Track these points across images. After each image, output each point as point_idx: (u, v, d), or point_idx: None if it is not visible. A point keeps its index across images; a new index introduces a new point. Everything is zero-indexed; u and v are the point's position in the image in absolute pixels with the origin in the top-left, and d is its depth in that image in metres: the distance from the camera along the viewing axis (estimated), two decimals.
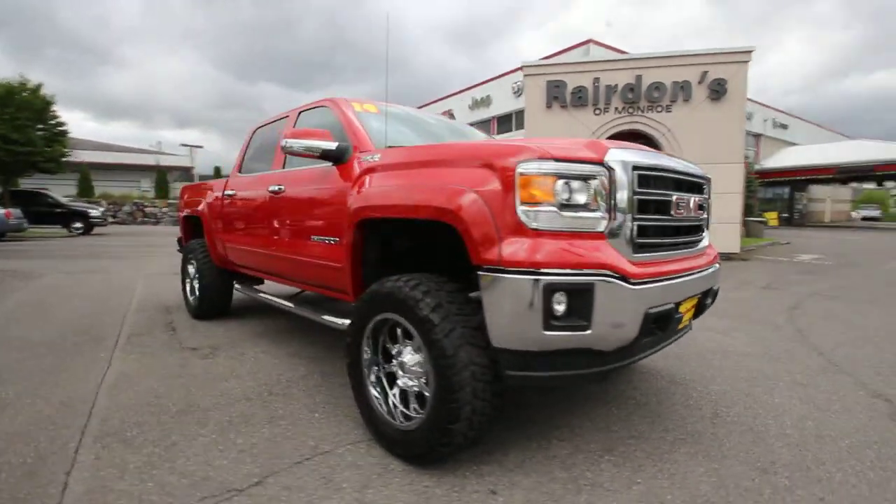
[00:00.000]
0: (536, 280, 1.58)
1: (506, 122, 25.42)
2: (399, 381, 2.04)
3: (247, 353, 3.45)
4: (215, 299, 4.40)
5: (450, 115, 21.75)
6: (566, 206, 1.65)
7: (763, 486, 1.82)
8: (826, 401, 2.66)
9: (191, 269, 4.64)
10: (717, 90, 10.71)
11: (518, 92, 23.06)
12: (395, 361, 2.07)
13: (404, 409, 2.02)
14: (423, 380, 1.92)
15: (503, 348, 1.70)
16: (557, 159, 1.65)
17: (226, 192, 3.90)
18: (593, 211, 1.68)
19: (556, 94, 11.34)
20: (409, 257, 2.44)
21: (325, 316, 2.74)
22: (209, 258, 4.34)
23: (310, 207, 2.74)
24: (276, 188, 3.08)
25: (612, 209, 1.70)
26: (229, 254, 3.96)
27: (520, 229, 1.64)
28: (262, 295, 3.73)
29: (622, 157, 1.74)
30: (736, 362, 3.34)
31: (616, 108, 11.26)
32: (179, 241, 5.32)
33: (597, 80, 11.18)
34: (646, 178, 1.84)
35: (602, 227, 1.69)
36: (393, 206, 2.05)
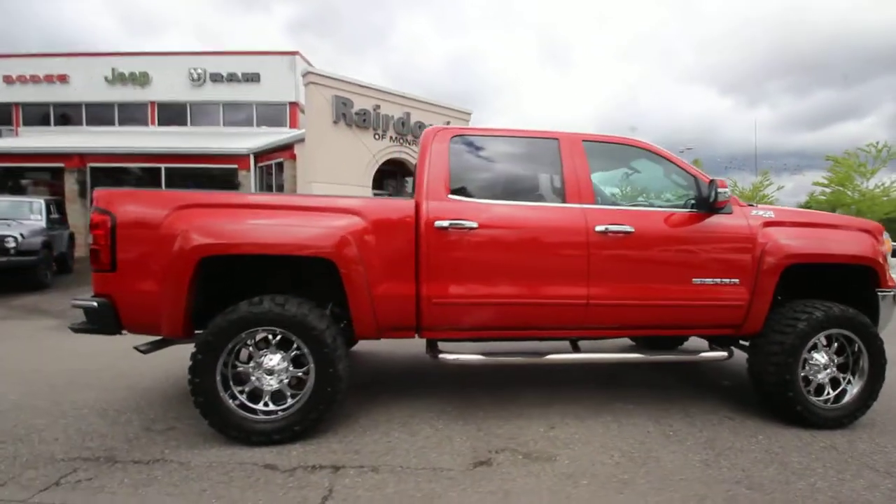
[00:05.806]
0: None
1: (173, 111, 20.08)
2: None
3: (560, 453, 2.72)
4: (344, 392, 2.72)
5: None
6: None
7: None
8: None
9: (272, 357, 2.57)
10: None
11: (200, 80, 19.20)
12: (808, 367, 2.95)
13: None
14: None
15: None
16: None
17: (444, 224, 2.66)
18: None
19: (343, 112, 11.28)
20: None
21: (703, 353, 3.02)
22: (342, 330, 2.66)
23: (698, 251, 2.88)
24: (617, 228, 2.79)
25: None
26: (439, 313, 2.70)
27: (885, 267, 3.11)
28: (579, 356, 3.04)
29: None
30: None
31: (391, 137, 12.46)
32: (97, 311, 2.50)
33: (377, 107, 11.99)
34: None
35: None
36: (822, 254, 2.93)
